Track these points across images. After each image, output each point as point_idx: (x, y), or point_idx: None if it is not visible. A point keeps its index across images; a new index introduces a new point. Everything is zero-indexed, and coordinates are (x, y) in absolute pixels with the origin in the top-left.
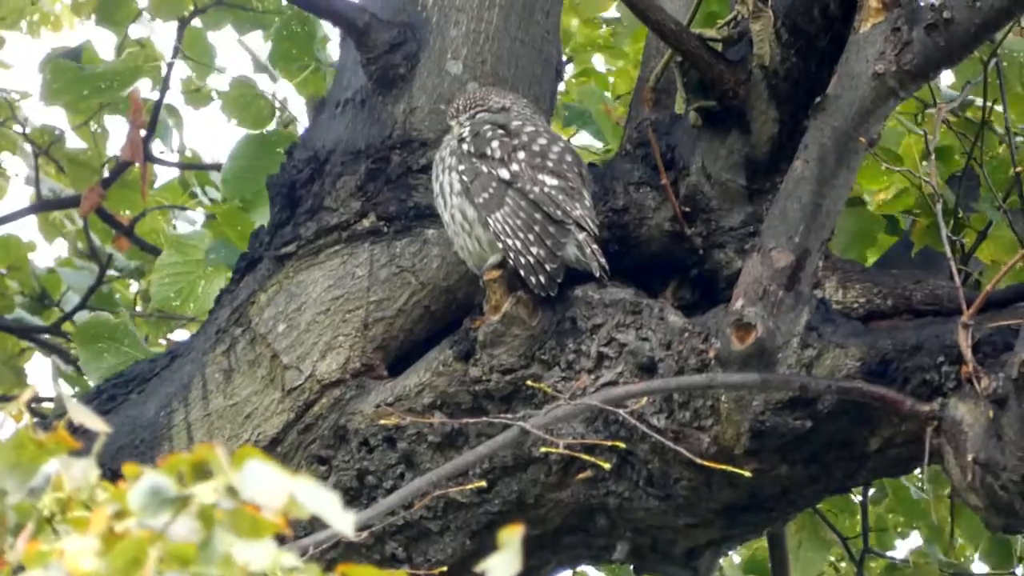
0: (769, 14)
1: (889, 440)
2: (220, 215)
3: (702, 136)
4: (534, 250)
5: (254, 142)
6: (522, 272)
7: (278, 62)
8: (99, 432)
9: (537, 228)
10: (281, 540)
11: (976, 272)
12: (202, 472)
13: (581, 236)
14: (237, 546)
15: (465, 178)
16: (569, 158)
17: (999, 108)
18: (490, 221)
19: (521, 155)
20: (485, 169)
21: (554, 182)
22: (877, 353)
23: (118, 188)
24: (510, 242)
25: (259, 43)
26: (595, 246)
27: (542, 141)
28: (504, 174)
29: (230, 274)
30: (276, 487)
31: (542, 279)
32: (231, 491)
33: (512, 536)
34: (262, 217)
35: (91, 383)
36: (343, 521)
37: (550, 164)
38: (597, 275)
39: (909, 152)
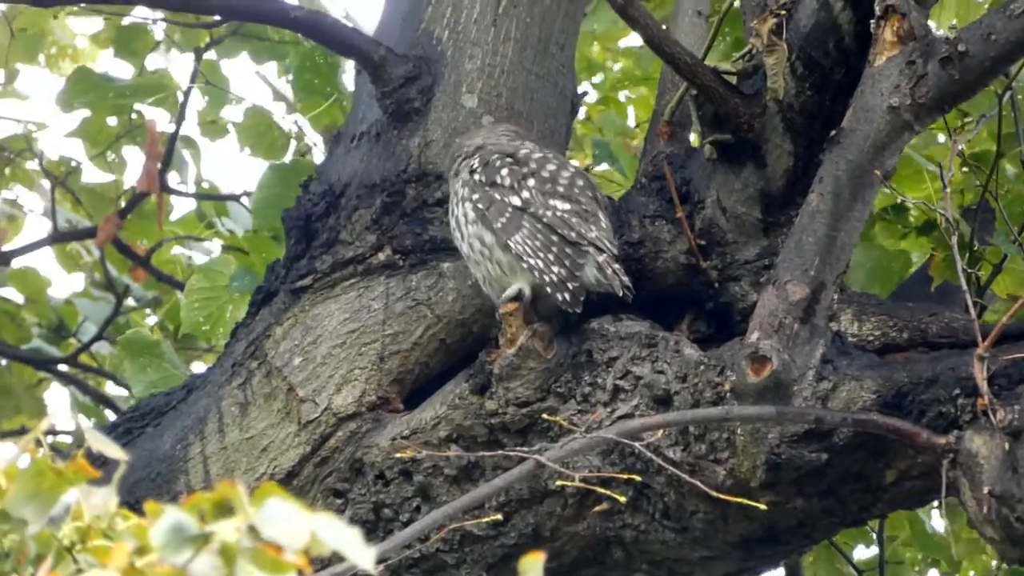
0: (783, 48)
1: (905, 473)
2: (247, 242)
3: (717, 169)
4: (555, 269)
5: (281, 171)
6: (548, 290)
7: (300, 93)
8: (118, 462)
9: (555, 249)
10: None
11: (991, 305)
12: (223, 509)
13: (600, 258)
14: None
15: (480, 205)
16: (581, 182)
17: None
18: (511, 244)
19: (531, 182)
20: (498, 196)
21: (566, 206)
22: (893, 386)
23: (135, 219)
24: (532, 262)
25: (274, 73)
26: (616, 266)
27: (551, 167)
28: (516, 201)
29: None
30: (297, 525)
31: (567, 296)
32: (252, 530)
33: (533, 564)
34: None
35: (133, 396)
36: (364, 557)
37: (561, 189)
38: (620, 294)
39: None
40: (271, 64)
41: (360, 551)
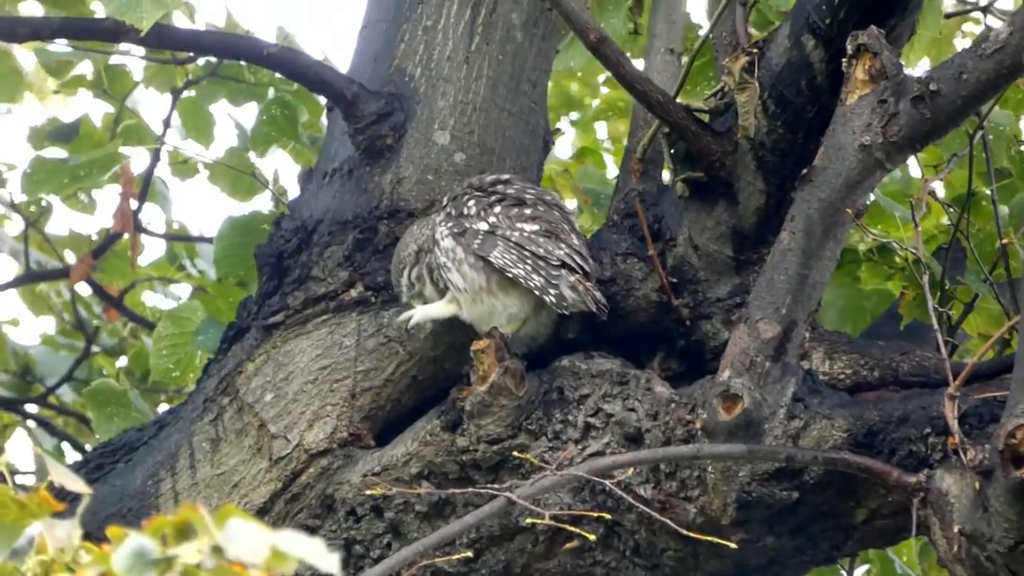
0: (755, 86)
1: (876, 511)
2: (212, 289)
3: (689, 207)
4: (536, 278)
5: (239, 221)
6: (538, 292)
7: (258, 144)
8: (82, 496)
9: (530, 262)
10: None
11: (962, 344)
12: (186, 534)
13: (572, 277)
14: None
15: (456, 230)
16: (547, 198)
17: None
18: (491, 259)
19: (497, 208)
20: (468, 224)
21: (533, 227)
22: (864, 424)
23: (109, 260)
24: (516, 270)
25: (254, 115)
26: (588, 284)
27: (514, 189)
28: (483, 226)
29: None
30: (258, 542)
31: (553, 298)
32: (216, 550)
33: None
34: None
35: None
36: (328, 562)
37: (527, 212)
38: (594, 310)
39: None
40: (251, 106)
41: (324, 557)
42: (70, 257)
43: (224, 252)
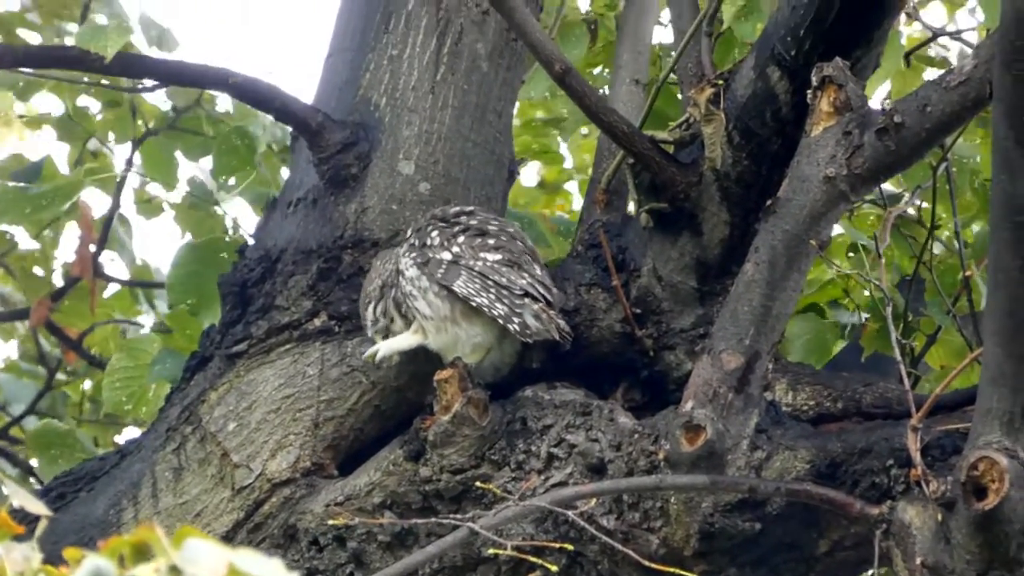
0: (721, 117)
1: (838, 543)
2: (168, 320)
3: (653, 238)
4: (499, 306)
5: (196, 248)
6: (502, 321)
7: (220, 174)
8: (46, 524)
9: (493, 292)
10: None
11: (925, 376)
12: (143, 555)
13: (536, 306)
14: None
15: (420, 260)
16: (510, 229)
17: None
18: (455, 288)
19: (460, 238)
20: (431, 255)
21: (496, 257)
22: (826, 456)
23: (69, 300)
24: (480, 300)
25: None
26: (551, 312)
27: (477, 220)
28: (447, 256)
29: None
30: (217, 562)
31: (517, 326)
32: (174, 571)
33: None
34: (210, 320)
35: None
36: None
37: (491, 242)
38: (558, 338)
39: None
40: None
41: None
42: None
43: (178, 279)
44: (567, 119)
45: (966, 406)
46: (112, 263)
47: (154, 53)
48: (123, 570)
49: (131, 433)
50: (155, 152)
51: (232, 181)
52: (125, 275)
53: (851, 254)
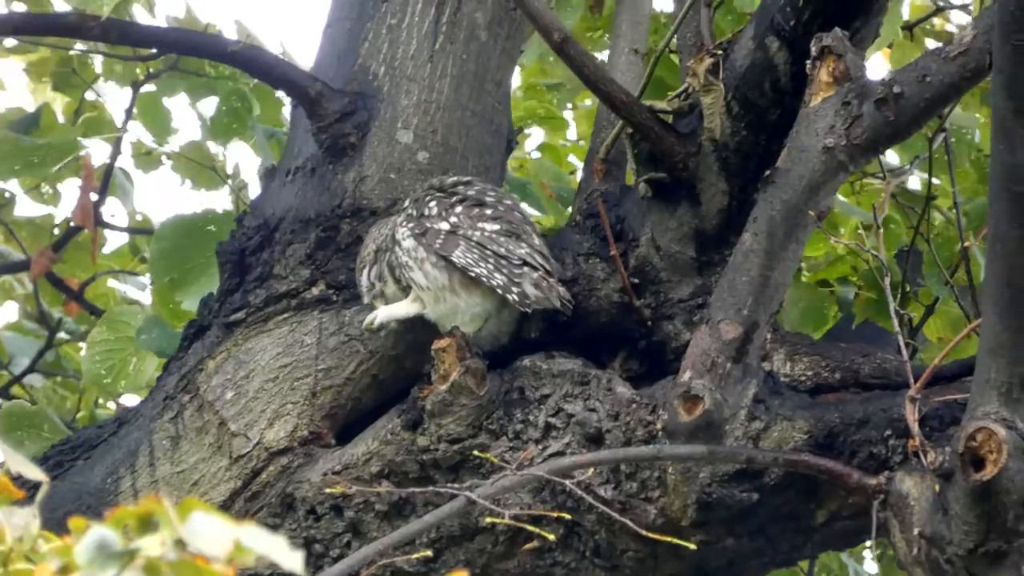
0: (720, 87)
1: (836, 513)
2: (154, 291)
3: (652, 208)
4: (498, 276)
5: (182, 222)
6: (500, 291)
7: (218, 135)
8: (46, 492)
9: (492, 262)
10: None
11: (922, 348)
12: (148, 526)
13: (535, 274)
14: None
15: (417, 230)
16: (508, 201)
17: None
18: (454, 258)
19: (458, 208)
20: (429, 225)
21: (495, 227)
22: (824, 426)
23: (70, 251)
24: (478, 269)
25: (212, 108)
26: (551, 280)
27: (474, 190)
28: (444, 226)
29: (161, 354)
30: (222, 536)
31: (516, 295)
32: (179, 543)
33: None
34: (190, 297)
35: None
36: (291, 559)
37: (488, 212)
38: (558, 306)
39: (847, 223)
40: (210, 100)
41: (286, 554)
42: (32, 245)
43: (161, 254)
44: (564, 86)
45: (964, 377)
46: (113, 218)
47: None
48: (127, 540)
49: (135, 396)
50: (151, 105)
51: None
52: (125, 232)
53: (861, 231)
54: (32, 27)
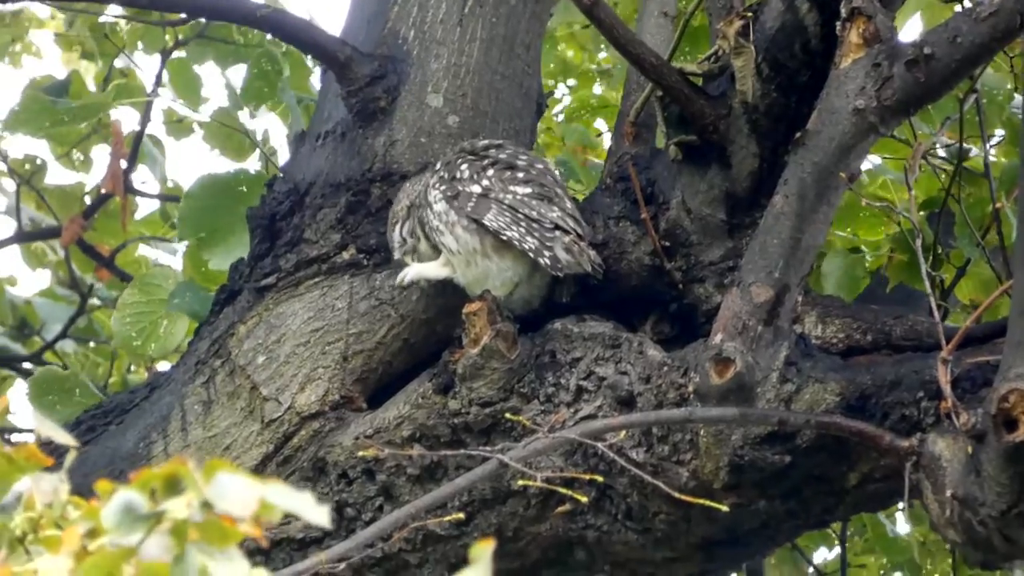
0: (751, 50)
1: (868, 475)
2: (186, 254)
3: (682, 171)
4: (529, 240)
5: (214, 181)
6: (532, 255)
7: (250, 99)
8: (75, 457)
9: (524, 225)
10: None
11: (954, 309)
12: (174, 488)
13: (567, 238)
14: (211, 563)
15: (449, 193)
16: (539, 165)
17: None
18: (485, 222)
19: (490, 172)
20: (461, 188)
21: (526, 190)
22: (856, 388)
23: (101, 218)
24: (510, 233)
25: (242, 76)
26: (583, 244)
27: (506, 153)
28: (476, 189)
29: (193, 317)
30: (247, 496)
31: (548, 259)
32: (205, 505)
33: (483, 551)
34: (218, 257)
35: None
36: (318, 514)
37: (520, 175)
38: (589, 270)
39: (888, 192)
40: (239, 68)
41: (313, 509)
42: (63, 212)
43: (190, 212)
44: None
45: (996, 338)
46: (144, 185)
47: None
48: (154, 503)
49: (167, 362)
50: (182, 71)
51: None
52: (155, 198)
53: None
54: None
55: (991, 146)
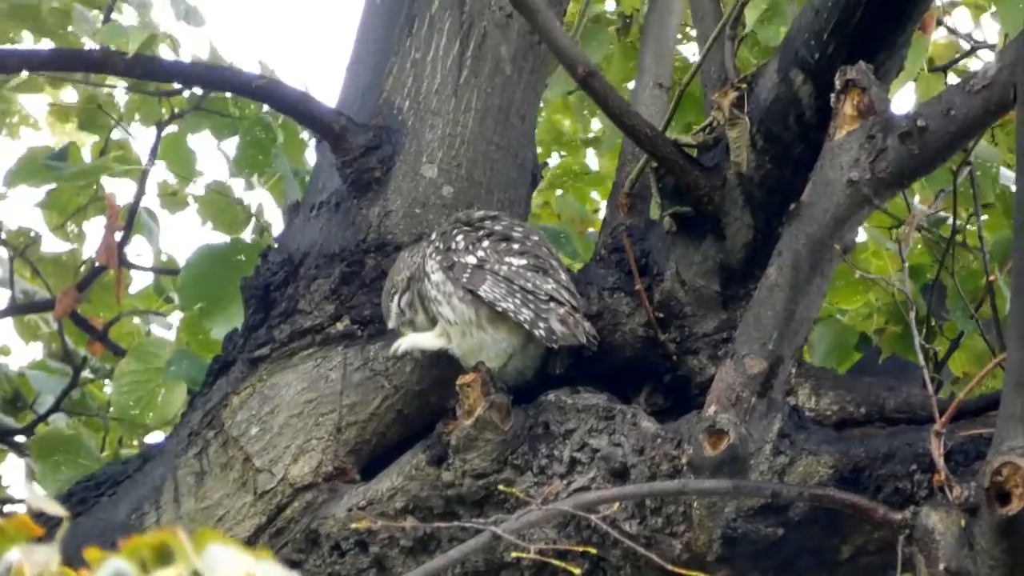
0: (746, 121)
1: (861, 548)
2: (182, 323)
3: (677, 242)
4: (524, 311)
5: (212, 251)
6: (527, 326)
7: (244, 168)
8: (67, 528)
9: (519, 296)
10: None
11: (948, 382)
12: (164, 557)
13: (561, 310)
14: None
15: (445, 263)
16: (535, 237)
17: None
18: (480, 293)
19: (486, 243)
20: (456, 259)
21: (522, 262)
22: (850, 461)
23: (95, 291)
24: (505, 304)
25: (235, 149)
26: (577, 316)
27: (501, 225)
28: (472, 260)
29: (191, 384)
30: (237, 568)
31: (543, 331)
32: (195, 575)
33: None
34: (219, 325)
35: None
36: None
37: (516, 247)
38: (584, 342)
39: (883, 269)
40: (234, 140)
41: None
42: (57, 284)
43: (190, 280)
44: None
45: (990, 411)
46: (139, 257)
47: (182, 28)
48: (144, 573)
49: (159, 433)
50: (176, 145)
51: (255, 178)
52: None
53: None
54: (59, 62)
55: (983, 219)
